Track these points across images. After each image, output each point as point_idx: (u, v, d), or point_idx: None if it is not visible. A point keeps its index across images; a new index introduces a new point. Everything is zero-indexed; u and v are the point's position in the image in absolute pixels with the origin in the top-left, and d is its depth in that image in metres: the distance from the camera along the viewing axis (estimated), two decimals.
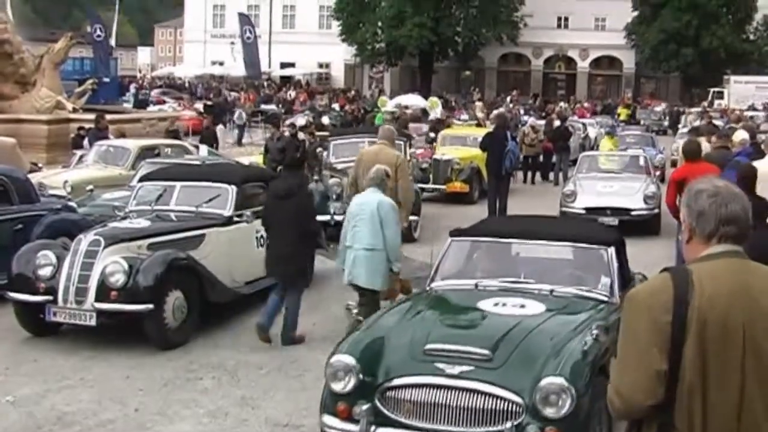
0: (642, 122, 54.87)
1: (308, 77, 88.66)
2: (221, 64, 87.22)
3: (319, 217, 16.59)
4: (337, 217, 18.16)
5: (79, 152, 23.88)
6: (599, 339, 7.43)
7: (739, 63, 73.17)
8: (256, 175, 15.01)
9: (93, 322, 11.21)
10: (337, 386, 7.41)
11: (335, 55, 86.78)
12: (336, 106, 45.72)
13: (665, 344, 3.71)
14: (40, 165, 23.88)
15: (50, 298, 11.32)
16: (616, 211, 20.21)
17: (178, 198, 13.30)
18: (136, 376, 10.35)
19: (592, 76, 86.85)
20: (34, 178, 17.72)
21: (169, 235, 12.36)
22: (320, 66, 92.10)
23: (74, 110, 30.98)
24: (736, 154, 14.75)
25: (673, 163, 29.45)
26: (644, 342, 3.75)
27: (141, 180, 14.85)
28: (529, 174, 31.15)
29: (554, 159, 31.06)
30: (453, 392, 7.09)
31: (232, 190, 13.27)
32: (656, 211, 20.46)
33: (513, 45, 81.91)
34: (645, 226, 20.10)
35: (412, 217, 16.00)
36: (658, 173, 23.64)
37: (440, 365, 7.21)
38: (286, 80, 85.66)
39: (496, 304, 8.34)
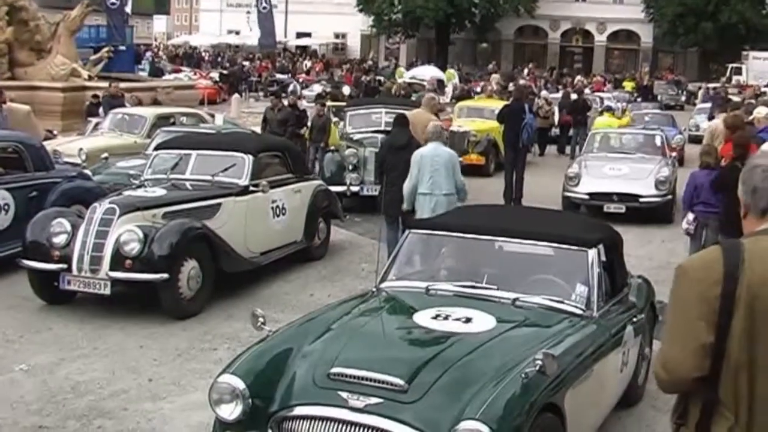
0: (659, 98, 54.40)
1: (324, 47, 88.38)
2: (237, 33, 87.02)
3: (335, 188, 16.59)
4: (354, 188, 18.11)
5: (94, 120, 23.83)
6: (545, 370, 5.94)
7: (758, 39, 72.52)
8: (273, 145, 14.90)
9: (107, 291, 11.16)
10: (223, 413, 6.27)
11: (351, 25, 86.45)
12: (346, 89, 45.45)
13: (712, 318, 3.67)
14: (55, 132, 23.83)
15: (65, 266, 11.26)
16: (623, 197, 18.46)
17: (193, 167, 13.22)
18: (150, 346, 10.30)
19: (609, 50, 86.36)
20: (49, 145, 17.65)
21: (185, 204, 12.28)
22: (336, 36, 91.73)
23: (89, 78, 30.93)
24: (760, 130, 14.61)
25: (690, 140, 29.27)
26: (692, 315, 3.71)
27: (157, 148, 14.79)
28: (540, 146, 30.87)
29: (571, 132, 30.84)
30: (355, 430, 5.88)
31: (248, 159, 13.16)
32: (669, 197, 18.69)
33: (530, 17, 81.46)
34: (656, 214, 18.58)
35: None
36: (673, 155, 21.35)
37: (344, 394, 5.98)
38: (302, 50, 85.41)
39: (436, 317, 7.00)
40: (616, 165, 19.71)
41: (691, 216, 12.52)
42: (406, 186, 13.07)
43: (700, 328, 3.67)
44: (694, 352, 3.68)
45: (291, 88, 46.75)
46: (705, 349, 3.67)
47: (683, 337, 3.72)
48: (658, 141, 21.52)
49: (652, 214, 18.54)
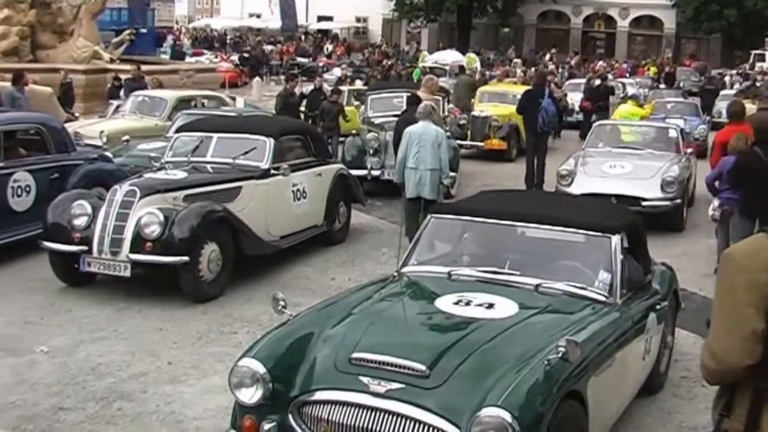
0: (681, 84, 53.97)
1: (345, 31, 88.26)
2: (258, 16, 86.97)
3: (356, 172, 16.55)
4: (375, 172, 18.07)
5: (115, 102, 23.89)
6: (568, 357, 5.86)
7: None
8: (294, 128, 14.85)
9: (127, 273, 11.15)
10: (243, 396, 6.24)
11: (373, 9, 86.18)
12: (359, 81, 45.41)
13: (762, 304, 3.61)
14: (76, 114, 23.91)
15: (85, 248, 11.27)
16: (622, 199, 15.25)
17: (214, 150, 13.19)
18: (169, 329, 10.29)
19: (632, 36, 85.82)
20: (71, 127, 17.70)
21: (206, 186, 12.26)
22: (358, 20, 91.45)
23: (111, 60, 30.99)
24: None
25: (714, 127, 28.95)
26: (741, 302, 3.65)
27: (178, 131, 14.75)
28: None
29: (593, 118, 30.68)
30: (376, 415, 5.81)
31: (269, 142, 13.12)
32: (677, 201, 16.09)
33: (552, 2, 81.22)
34: (663, 220, 15.85)
35: (450, 174, 16.07)
36: (689, 150, 18.85)
37: (365, 379, 5.94)
38: (323, 34, 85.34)
39: (457, 302, 6.93)
40: (619, 162, 17.09)
41: (716, 202, 12.42)
42: (397, 161, 14.11)
43: (750, 315, 3.61)
44: (744, 338, 3.61)
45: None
46: (756, 336, 3.60)
47: (732, 324, 3.66)
48: (672, 134, 19.03)
49: (658, 220, 15.50)
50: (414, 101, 15.49)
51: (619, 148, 18.29)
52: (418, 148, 13.67)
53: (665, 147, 18.30)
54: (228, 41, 77.12)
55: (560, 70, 53.16)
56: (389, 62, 54.31)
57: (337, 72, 46.99)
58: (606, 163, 17.05)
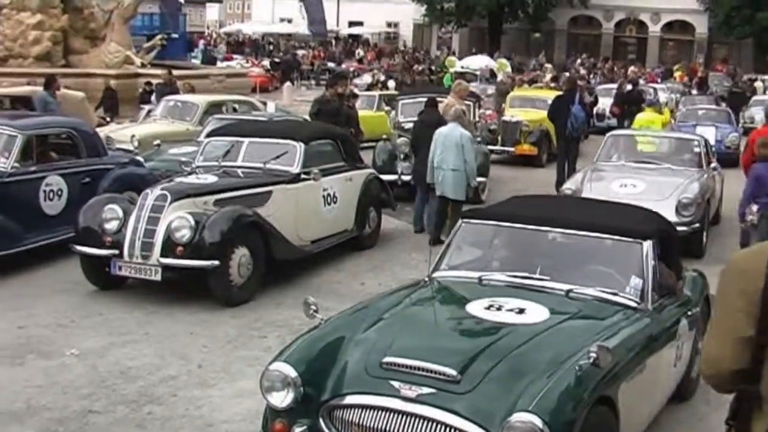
0: (714, 89, 53.57)
1: (376, 36, 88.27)
2: (289, 21, 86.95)
3: (386, 177, 16.55)
4: (405, 177, 18.06)
5: (146, 107, 24.01)
6: (599, 363, 5.84)
7: None
8: (325, 133, 14.88)
9: (158, 277, 11.18)
10: (274, 400, 6.24)
11: (404, 14, 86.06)
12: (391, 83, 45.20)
13: (754, 311, 3.55)
14: (107, 119, 24.01)
15: (116, 252, 11.31)
16: None
17: (245, 154, 13.21)
18: (199, 333, 10.31)
19: (663, 41, 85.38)
20: (102, 132, 17.79)
21: (236, 191, 12.27)
22: (388, 25, 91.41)
23: (142, 65, 31.14)
24: None
25: (745, 133, 28.68)
26: (733, 307, 3.61)
27: (208, 135, 14.81)
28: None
29: (626, 124, 30.54)
30: (407, 419, 5.83)
31: (299, 147, 13.14)
32: (695, 225, 14.30)
33: (583, 7, 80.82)
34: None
35: (480, 179, 16.29)
36: (713, 165, 17.16)
37: (396, 384, 5.95)
38: (354, 39, 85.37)
39: (489, 307, 6.90)
40: (631, 179, 15.12)
41: (755, 207, 12.32)
42: (429, 161, 15.03)
43: (740, 320, 3.57)
44: (733, 344, 3.58)
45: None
46: (744, 342, 3.56)
47: (724, 329, 3.64)
48: (696, 147, 17.02)
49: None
50: (432, 104, 16.54)
51: (635, 161, 16.59)
52: (443, 148, 14.71)
53: (687, 161, 16.58)
54: (261, 45, 77.13)
55: (591, 75, 52.94)
56: (419, 67, 54.22)
57: (367, 78, 46.97)
58: (616, 181, 15.08)
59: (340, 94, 23.28)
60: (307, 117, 20.00)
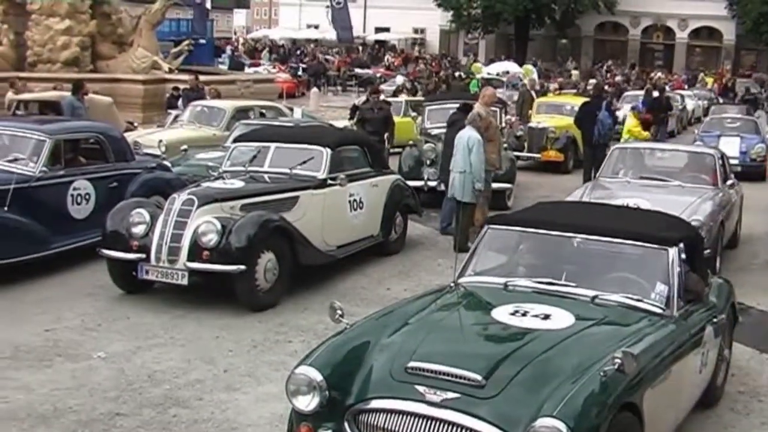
0: (740, 95, 53.14)
1: (403, 42, 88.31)
2: (316, 27, 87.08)
3: (413, 183, 16.58)
4: (431, 183, 18.07)
5: (173, 112, 24.10)
6: (624, 369, 5.86)
7: None
8: (351, 139, 14.89)
9: (185, 282, 11.22)
10: (300, 404, 6.25)
11: (430, 20, 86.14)
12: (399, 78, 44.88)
13: None
14: (135, 124, 24.20)
15: (143, 256, 11.36)
16: None
17: (272, 159, 13.24)
18: (225, 337, 10.34)
19: (690, 47, 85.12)
20: (130, 136, 17.89)
21: (263, 196, 12.31)
22: (415, 31, 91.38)
23: (170, 71, 31.26)
24: None
25: None
26: None
27: (235, 141, 14.86)
28: None
29: (652, 130, 30.42)
30: (432, 424, 5.83)
31: (326, 152, 13.16)
32: (707, 252, 11.42)
33: (610, 14, 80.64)
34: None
35: (506, 185, 16.35)
36: (731, 182, 15.76)
37: (421, 388, 5.95)
38: (381, 45, 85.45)
39: (514, 313, 6.91)
40: (633, 198, 12.93)
41: None
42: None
43: None
44: None
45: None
46: None
47: None
48: (710, 162, 15.50)
49: None
50: (463, 108, 16.59)
51: (643, 177, 15.26)
52: (455, 151, 15.04)
53: (700, 177, 15.14)
54: (291, 51, 77.18)
55: (628, 83, 52.83)
56: (444, 73, 54.22)
57: (399, 80, 47.02)
58: (617, 200, 12.86)
59: (386, 101, 23.13)
60: (333, 122, 19.99)
